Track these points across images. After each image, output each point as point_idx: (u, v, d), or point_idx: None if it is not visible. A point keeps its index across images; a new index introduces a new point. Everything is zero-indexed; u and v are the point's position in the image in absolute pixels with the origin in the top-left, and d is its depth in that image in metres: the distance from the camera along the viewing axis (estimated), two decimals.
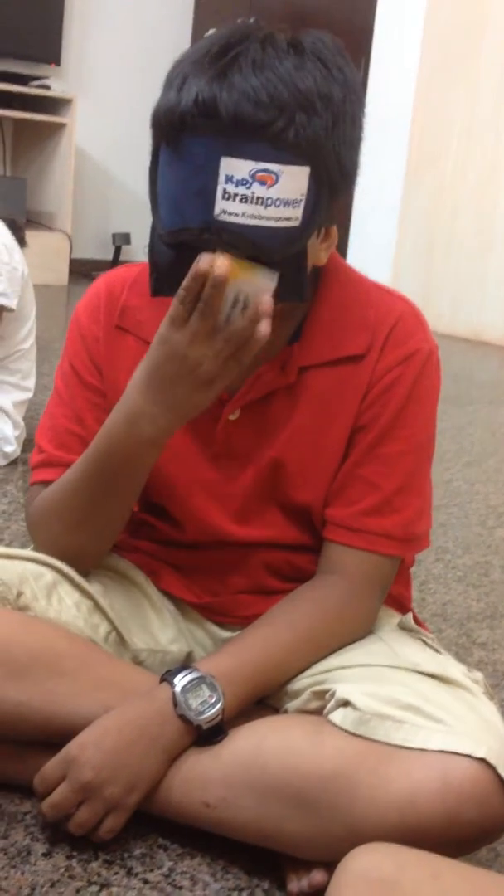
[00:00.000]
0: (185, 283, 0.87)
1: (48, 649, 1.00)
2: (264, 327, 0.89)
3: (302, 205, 0.90)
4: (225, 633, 1.14)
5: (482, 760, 0.88)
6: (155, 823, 0.99)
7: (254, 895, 0.95)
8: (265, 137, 0.87)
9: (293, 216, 0.90)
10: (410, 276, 5.08)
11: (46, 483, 1.10)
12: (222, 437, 1.06)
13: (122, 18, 5.71)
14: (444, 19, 4.94)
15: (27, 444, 2.27)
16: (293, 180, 0.89)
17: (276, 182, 0.88)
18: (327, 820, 0.91)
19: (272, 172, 0.87)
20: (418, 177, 5.06)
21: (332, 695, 0.97)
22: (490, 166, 4.85)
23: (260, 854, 0.97)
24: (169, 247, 0.93)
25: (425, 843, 0.83)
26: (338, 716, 0.94)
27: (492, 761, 0.88)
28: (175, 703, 0.95)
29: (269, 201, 0.88)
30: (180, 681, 0.96)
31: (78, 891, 0.92)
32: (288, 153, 0.88)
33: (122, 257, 5.74)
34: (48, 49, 5.33)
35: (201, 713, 0.95)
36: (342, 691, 0.96)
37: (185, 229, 0.90)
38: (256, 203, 0.88)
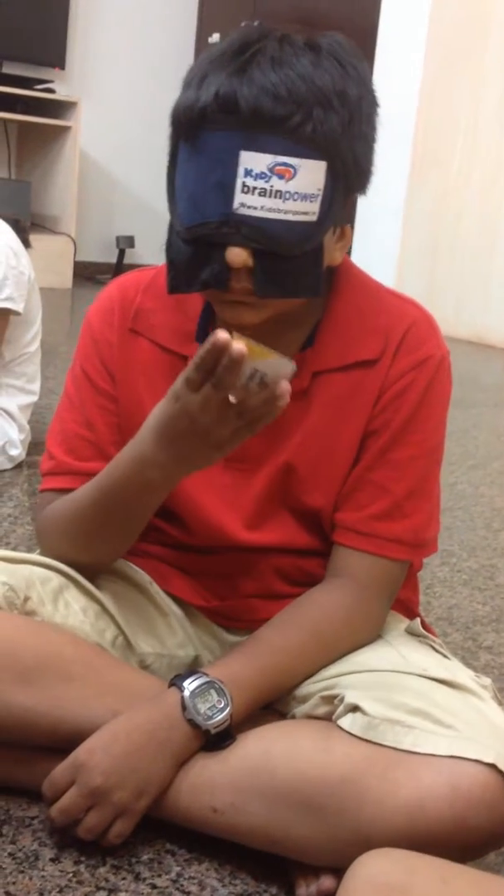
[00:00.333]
0: (200, 352, 0.86)
1: (55, 654, 1.00)
2: (280, 408, 0.89)
3: (319, 199, 0.92)
4: (233, 637, 1.14)
5: (491, 766, 0.87)
6: (163, 829, 0.99)
7: None
8: (283, 131, 0.88)
9: (310, 210, 0.92)
10: (414, 277, 5.08)
11: (56, 490, 1.10)
12: None
13: (127, 22, 5.72)
14: (448, 20, 4.94)
15: (32, 447, 2.27)
16: (310, 174, 0.90)
17: (294, 176, 0.89)
18: (336, 825, 0.91)
19: (290, 166, 0.89)
20: (422, 178, 5.06)
21: (341, 700, 0.97)
22: (494, 168, 4.84)
23: (268, 859, 0.96)
24: (186, 243, 0.94)
25: (434, 848, 0.83)
26: (346, 721, 0.94)
27: (500, 766, 0.87)
28: (183, 708, 0.95)
29: (288, 195, 0.90)
30: (189, 685, 0.96)
31: None
32: (305, 147, 0.89)
33: (126, 260, 5.74)
34: (53, 52, 5.34)
35: (210, 718, 0.95)
36: (351, 696, 0.96)
37: (204, 223, 0.91)
38: (275, 196, 0.89)
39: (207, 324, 1.07)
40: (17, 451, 2.20)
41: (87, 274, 5.67)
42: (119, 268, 5.69)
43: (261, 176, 0.89)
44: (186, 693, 0.96)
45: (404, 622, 1.11)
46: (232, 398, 0.87)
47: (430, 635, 1.10)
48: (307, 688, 1.03)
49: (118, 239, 5.73)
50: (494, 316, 4.89)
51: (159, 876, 0.95)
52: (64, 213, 5.37)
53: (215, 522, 1.08)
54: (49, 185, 5.44)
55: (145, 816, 0.96)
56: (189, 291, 0.97)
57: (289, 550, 1.10)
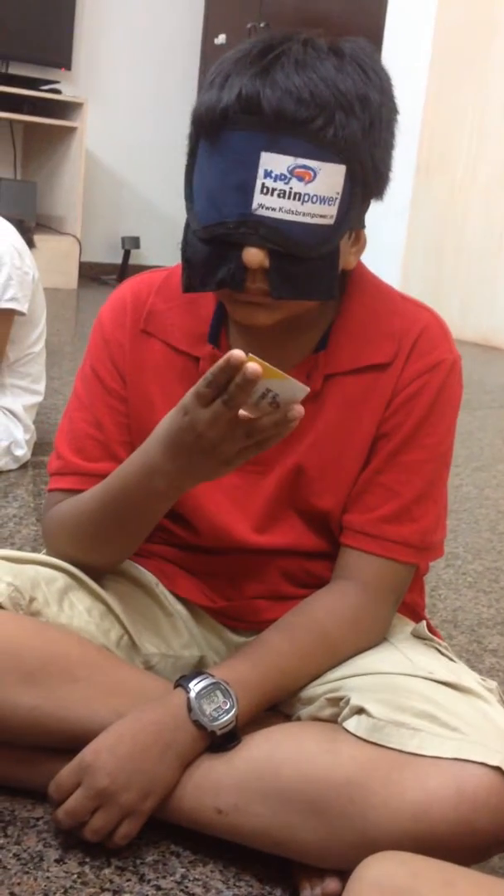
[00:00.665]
0: (213, 368, 0.86)
1: (60, 655, 1.00)
2: (291, 429, 0.88)
3: (337, 203, 0.92)
4: (239, 639, 1.14)
5: (496, 769, 0.87)
6: (167, 830, 0.99)
7: None
8: (305, 134, 0.89)
9: (328, 214, 0.92)
10: (420, 279, 5.07)
11: (64, 491, 1.10)
12: None
13: (133, 23, 5.72)
14: (454, 22, 4.94)
15: (38, 447, 2.27)
16: (330, 178, 0.91)
17: (313, 179, 0.90)
18: (340, 827, 0.91)
19: (310, 169, 0.89)
20: (428, 180, 5.06)
21: (347, 702, 0.97)
22: (501, 169, 4.84)
23: (272, 861, 0.96)
24: (203, 242, 0.94)
25: (438, 850, 0.83)
26: (352, 723, 0.94)
27: None
28: (189, 709, 0.95)
29: (306, 197, 0.90)
30: (195, 686, 0.96)
31: None
32: (326, 151, 0.90)
33: (131, 261, 5.75)
34: (59, 53, 5.35)
35: (215, 719, 0.95)
36: (357, 698, 0.96)
37: (222, 223, 0.92)
38: (294, 199, 0.90)
39: (220, 325, 1.08)
40: (23, 452, 2.20)
41: (93, 274, 5.67)
42: (124, 268, 5.70)
43: (280, 177, 0.89)
44: (192, 694, 0.96)
45: (410, 625, 1.11)
46: (244, 413, 0.87)
47: (435, 638, 1.10)
48: (313, 690, 1.03)
49: (123, 240, 5.73)
50: (500, 318, 4.88)
51: (164, 877, 0.95)
52: (69, 214, 5.38)
53: (223, 524, 1.09)
54: (55, 185, 5.44)
55: (150, 818, 0.96)
56: (204, 290, 0.97)
57: (296, 552, 1.10)
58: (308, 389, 0.87)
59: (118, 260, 5.79)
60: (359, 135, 0.91)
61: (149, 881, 0.95)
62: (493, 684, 1.02)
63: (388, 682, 0.98)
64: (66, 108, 5.25)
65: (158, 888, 0.94)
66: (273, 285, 0.94)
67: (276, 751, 0.95)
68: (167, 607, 1.14)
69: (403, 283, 5.00)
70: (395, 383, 1.05)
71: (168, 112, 5.79)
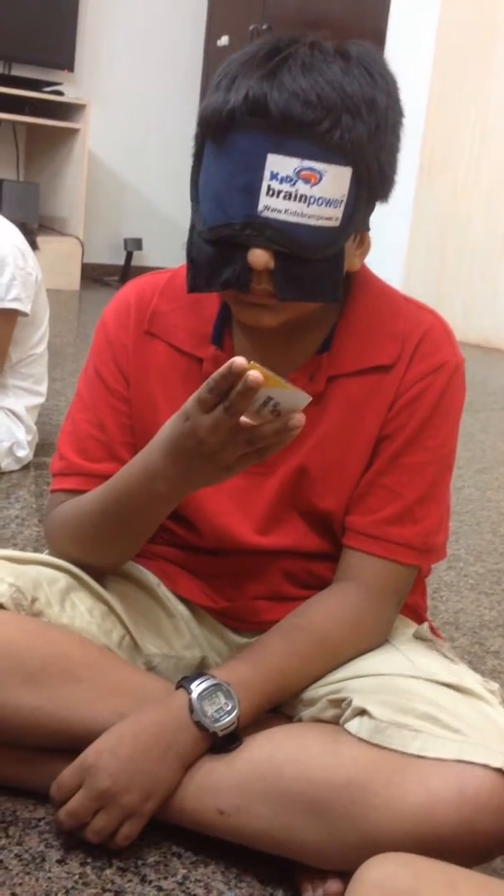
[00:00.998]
0: (215, 375, 0.86)
1: (62, 656, 1.00)
2: (292, 437, 0.88)
3: (342, 205, 0.92)
4: (240, 639, 1.14)
5: (498, 770, 0.87)
6: (169, 831, 0.99)
7: None
8: (311, 137, 0.89)
9: (333, 216, 0.92)
10: (422, 280, 5.07)
11: (67, 492, 1.10)
12: None
13: (136, 25, 5.73)
14: (456, 23, 4.94)
15: (40, 448, 2.27)
16: (336, 180, 0.91)
17: (319, 181, 0.90)
18: (342, 829, 0.91)
19: (316, 171, 0.90)
20: (431, 181, 5.06)
21: (349, 703, 0.97)
22: (503, 170, 4.84)
23: (274, 863, 0.96)
24: (209, 243, 0.94)
25: (440, 852, 0.83)
26: (354, 724, 0.94)
27: None
28: (191, 710, 0.95)
29: (312, 200, 0.90)
30: (196, 687, 0.96)
31: None
32: (332, 153, 0.90)
33: (133, 262, 5.75)
34: (62, 55, 5.36)
35: (217, 720, 0.95)
36: (359, 700, 0.96)
37: (228, 224, 0.92)
38: (300, 201, 0.90)
39: (224, 326, 1.08)
40: (25, 453, 2.20)
41: (95, 276, 5.68)
42: (127, 270, 5.70)
43: (286, 180, 0.90)
44: (194, 695, 0.96)
45: (412, 627, 1.11)
46: (245, 420, 0.87)
47: (437, 640, 1.09)
48: (314, 691, 1.03)
49: (126, 241, 5.74)
50: (503, 319, 4.88)
51: (165, 878, 0.95)
52: (72, 215, 5.38)
53: (226, 526, 1.09)
54: (57, 187, 5.45)
55: (151, 819, 0.96)
56: (209, 291, 0.98)
57: (298, 553, 1.10)
58: (310, 398, 0.87)
59: (121, 261, 5.80)
60: (365, 137, 0.91)
61: (150, 882, 0.95)
62: (494, 686, 1.02)
63: (389, 683, 0.98)
64: (68, 110, 5.25)
65: (160, 889, 0.94)
66: (278, 287, 0.94)
67: (277, 752, 0.95)
68: (169, 608, 1.14)
69: (406, 284, 5.00)
70: (398, 385, 1.05)
71: (171, 114, 5.79)
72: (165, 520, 1.09)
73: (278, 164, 0.89)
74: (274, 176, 0.90)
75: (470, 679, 1.00)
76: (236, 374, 0.84)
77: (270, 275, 0.93)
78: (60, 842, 0.98)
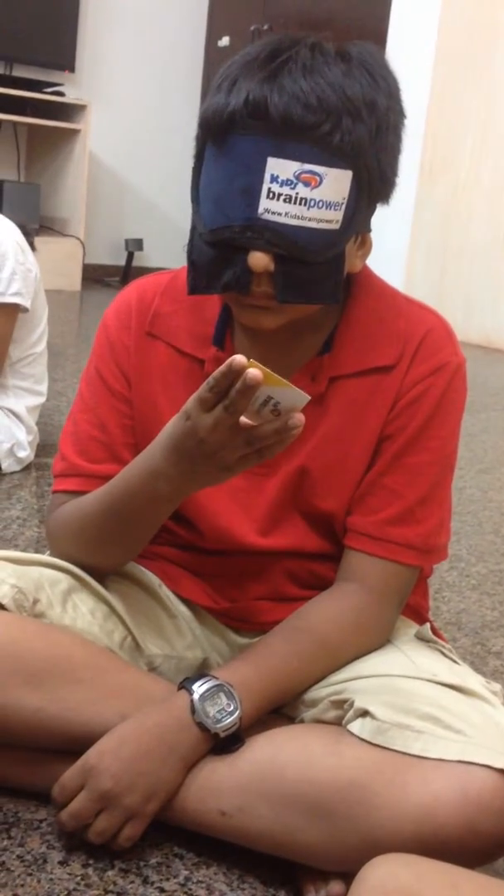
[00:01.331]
0: (215, 374, 0.86)
1: (64, 657, 1.00)
2: (293, 437, 0.88)
3: (343, 208, 0.92)
4: (242, 640, 1.14)
5: (501, 771, 0.87)
6: (171, 832, 0.99)
7: None
8: (312, 140, 0.89)
9: (334, 219, 0.92)
10: (423, 281, 5.07)
11: (68, 492, 1.10)
12: None
13: (137, 26, 5.73)
14: (458, 24, 4.94)
15: (41, 448, 2.27)
16: (336, 183, 0.91)
17: (319, 184, 0.90)
18: (344, 830, 0.91)
19: (317, 174, 0.90)
20: (432, 181, 5.06)
21: (351, 704, 0.97)
22: None
23: (276, 864, 0.96)
24: (209, 245, 0.94)
25: (443, 853, 0.83)
26: (356, 725, 0.94)
27: None
28: (193, 711, 0.95)
29: (312, 202, 0.90)
30: (198, 688, 0.96)
31: None
32: (333, 156, 0.90)
33: (134, 263, 5.75)
34: (63, 56, 5.36)
35: (219, 721, 0.95)
36: (361, 701, 0.95)
37: (228, 227, 0.92)
38: (300, 204, 0.90)
39: (225, 327, 1.08)
40: (26, 453, 2.20)
41: (96, 277, 5.68)
42: (127, 271, 5.70)
43: (287, 183, 0.89)
44: (196, 696, 0.95)
45: (414, 627, 1.11)
46: (245, 419, 0.87)
47: (439, 641, 1.09)
48: (316, 692, 1.03)
49: (127, 242, 5.74)
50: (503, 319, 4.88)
51: (167, 880, 0.95)
52: (73, 216, 5.38)
53: (227, 527, 1.08)
54: (58, 187, 5.45)
55: (153, 820, 0.96)
56: (209, 293, 0.98)
57: (300, 554, 1.10)
58: (309, 398, 0.86)
59: (121, 262, 5.80)
60: (366, 140, 0.91)
61: (152, 883, 0.95)
62: (497, 687, 1.02)
63: (392, 684, 0.98)
64: (69, 111, 5.26)
65: (162, 890, 0.94)
66: (278, 289, 0.94)
67: (279, 753, 0.95)
68: (170, 608, 1.14)
69: (407, 284, 5.00)
70: (399, 385, 1.05)
71: (171, 114, 5.80)
72: (167, 520, 1.09)
73: (278, 167, 0.89)
74: (274, 179, 0.89)
75: (472, 680, 1.00)
76: (236, 372, 0.84)
77: (270, 277, 0.93)
78: (62, 843, 0.98)
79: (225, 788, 0.95)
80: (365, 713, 0.94)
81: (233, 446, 0.89)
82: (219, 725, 0.95)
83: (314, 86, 0.89)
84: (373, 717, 0.93)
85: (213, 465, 0.91)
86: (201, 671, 1.05)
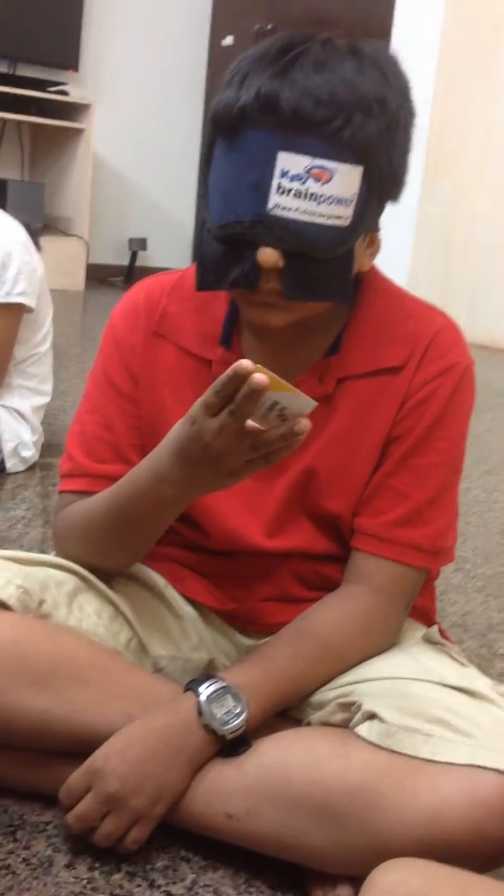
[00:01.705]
0: (220, 378, 0.85)
1: (70, 658, 0.99)
2: (299, 442, 0.87)
3: (353, 205, 0.92)
4: (248, 641, 1.13)
5: None
6: (177, 835, 0.98)
7: None
8: (323, 135, 0.88)
9: (344, 215, 0.92)
10: (427, 280, 5.06)
11: (74, 493, 1.10)
12: None
13: (141, 25, 5.73)
14: (461, 23, 4.93)
15: (45, 449, 2.26)
16: (346, 179, 0.90)
17: (330, 179, 0.89)
18: (352, 833, 0.90)
19: (327, 169, 0.89)
20: (436, 181, 5.05)
21: (358, 707, 0.96)
22: None
23: (283, 868, 0.96)
24: (218, 241, 0.94)
25: (451, 857, 0.82)
26: (364, 728, 0.94)
27: None
28: (199, 713, 0.95)
29: (323, 198, 0.90)
30: (205, 690, 0.95)
31: None
32: (343, 151, 0.89)
33: (138, 263, 5.75)
34: (66, 55, 5.35)
35: (226, 723, 0.95)
36: (368, 704, 0.95)
37: (238, 222, 0.91)
38: (310, 199, 0.89)
39: (232, 328, 1.07)
40: (30, 453, 2.20)
41: (100, 276, 5.68)
42: (131, 270, 5.70)
43: (297, 178, 0.89)
44: (202, 698, 0.95)
45: (421, 630, 1.10)
46: (251, 423, 0.86)
47: (447, 643, 1.09)
48: (323, 694, 1.02)
49: (131, 241, 5.74)
50: None
51: (174, 883, 0.95)
52: (77, 216, 5.38)
53: (234, 528, 1.08)
54: (62, 187, 5.45)
55: (160, 823, 0.95)
56: (218, 289, 0.97)
57: (307, 556, 1.09)
58: (316, 404, 0.86)
59: (125, 262, 5.80)
60: (376, 137, 0.91)
61: (159, 887, 0.94)
62: None
63: (400, 687, 0.97)
64: (73, 110, 5.25)
65: (169, 894, 0.93)
66: (287, 286, 0.93)
67: (287, 755, 0.95)
68: (176, 609, 1.14)
69: (411, 283, 4.97)
70: (407, 387, 1.04)
71: (175, 114, 5.79)
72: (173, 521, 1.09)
73: (289, 162, 0.89)
74: (284, 174, 0.89)
75: (480, 682, 0.99)
76: (242, 377, 0.83)
77: (279, 274, 0.93)
78: (68, 846, 0.97)
79: (232, 791, 0.95)
80: (373, 716, 0.94)
81: (238, 451, 0.88)
82: (225, 728, 0.95)
83: (326, 81, 0.88)
84: (381, 719, 0.93)
85: (219, 470, 0.90)
86: (207, 673, 1.05)
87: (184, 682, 1.00)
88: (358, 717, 0.96)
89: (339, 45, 0.92)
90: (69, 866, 0.95)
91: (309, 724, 1.03)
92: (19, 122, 5.30)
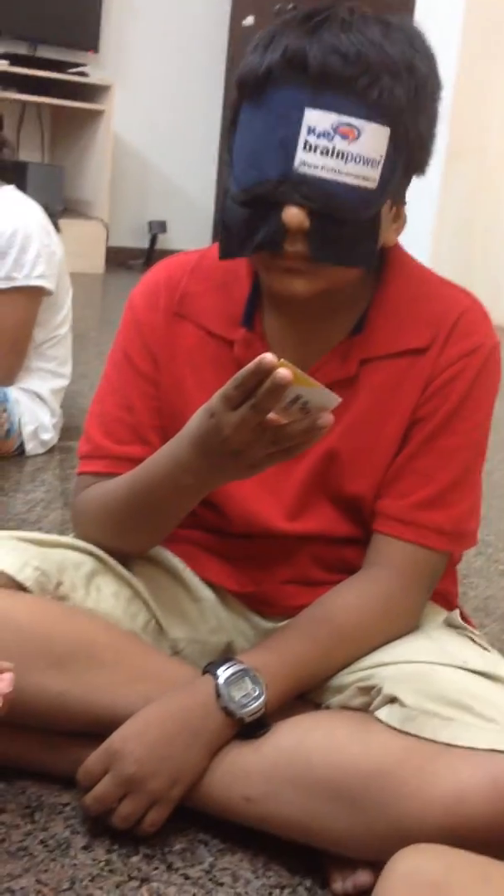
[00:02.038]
0: (243, 371, 0.83)
1: (88, 640, 0.99)
2: (321, 436, 0.86)
3: (380, 167, 0.91)
4: (267, 624, 1.12)
5: None
6: (195, 818, 0.98)
7: (296, 893, 0.93)
8: (350, 93, 0.88)
9: (371, 177, 0.91)
10: (449, 264, 5.01)
11: (93, 475, 1.09)
12: None
13: (161, 6, 5.68)
14: (485, 3, 4.86)
15: (65, 431, 2.26)
16: (374, 139, 0.89)
17: (357, 138, 0.89)
18: (372, 818, 0.89)
19: (354, 127, 0.88)
20: (459, 162, 4.99)
21: (378, 691, 0.95)
22: None
23: (302, 851, 0.95)
24: (243, 206, 0.93)
25: (472, 843, 0.81)
26: (384, 712, 0.93)
27: None
28: (218, 696, 0.94)
29: (350, 157, 0.89)
30: (223, 673, 0.95)
31: (118, 885, 0.91)
32: (371, 111, 0.89)
33: (158, 246, 5.73)
34: (86, 36, 5.32)
35: (244, 706, 0.94)
36: (389, 688, 0.94)
37: (263, 182, 0.91)
38: (337, 157, 0.89)
39: (254, 308, 1.06)
40: (49, 436, 2.20)
41: (120, 259, 5.66)
42: (151, 253, 5.68)
43: (324, 135, 0.88)
44: (221, 680, 0.94)
45: (443, 614, 1.09)
46: (272, 415, 0.84)
47: (469, 627, 1.08)
48: (343, 678, 1.02)
49: (150, 224, 5.71)
50: None
51: (192, 866, 0.94)
52: (97, 198, 5.36)
53: (255, 511, 1.07)
54: (82, 169, 5.43)
55: (178, 805, 0.95)
56: (242, 255, 0.96)
57: (327, 539, 1.08)
58: (339, 400, 0.84)
59: (145, 244, 5.77)
60: (404, 100, 0.90)
61: (177, 870, 0.94)
62: None
63: (420, 671, 0.96)
64: (93, 92, 5.23)
65: (186, 877, 0.93)
66: (313, 246, 0.92)
67: (306, 739, 0.94)
68: (194, 592, 1.13)
69: (433, 266, 4.91)
70: (432, 367, 1.03)
71: (196, 95, 5.75)
72: None
73: (316, 119, 0.88)
74: (311, 131, 0.88)
75: (503, 667, 0.98)
76: (265, 371, 0.81)
77: (305, 236, 0.91)
78: (86, 828, 0.97)
79: (251, 774, 0.94)
80: (393, 700, 0.93)
81: (258, 445, 0.87)
82: (244, 710, 0.94)
83: (354, 40, 0.88)
84: (401, 703, 0.92)
85: (239, 463, 0.89)
86: (226, 656, 1.04)
87: (202, 665, 1.00)
88: (378, 700, 0.95)
89: (367, 12, 0.92)
90: (86, 848, 0.95)
91: (328, 707, 1.03)
92: (39, 105, 5.28)
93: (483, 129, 4.94)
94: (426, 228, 5.07)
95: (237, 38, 5.79)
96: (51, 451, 2.21)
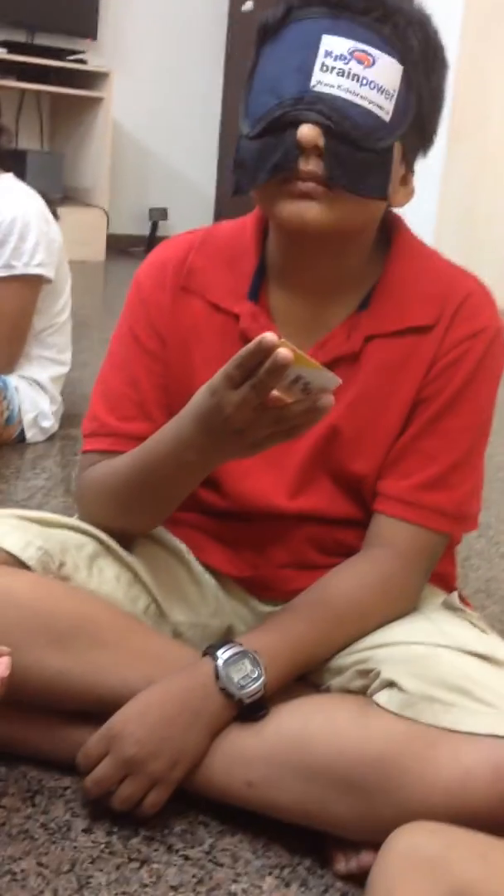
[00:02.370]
0: (243, 351, 0.82)
1: (90, 620, 0.99)
2: (322, 416, 0.86)
3: (394, 100, 0.93)
4: (266, 608, 1.12)
5: None
6: (195, 800, 0.98)
7: (295, 873, 0.93)
8: (367, 24, 0.92)
9: (385, 107, 0.93)
10: (452, 248, 4.99)
11: (98, 452, 1.09)
12: None
13: None
14: None
15: (65, 419, 2.26)
16: (388, 70, 0.92)
17: (373, 64, 0.92)
18: (374, 803, 0.89)
19: (370, 54, 0.92)
20: (460, 146, 4.97)
21: (377, 674, 0.95)
22: None
23: (302, 832, 0.95)
24: (257, 137, 0.94)
25: (474, 826, 0.81)
26: (383, 697, 0.93)
27: None
28: (217, 677, 0.94)
29: (365, 81, 0.92)
30: (222, 654, 0.95)
31: (118, 867, 0.91)
32: (385, 43, 0.92)
33: (158, 233, 5.71)
34: (85, 23, 5.29)
35: (243, 687, 0.94)
36: (388, 671, 0.94)
37: (279, 105, 0.92)
38: (353, 79, 0.91)
39: (260, 282, 1.06)
40: (50, 423, 2.19)
41: (120, 247, 5.65)
42: (151, 240, 5.67)
43: (341, 58, 0.91)
44: (220, 662, 0.94)
45: (441, 595, 1.09)
46: (274, 394, 0.84)
47: (467, 609, 1.08)
48: (342, 660, 1.02)
49: (151, 211, 5.69)
50: None
51: (192, 847, 0.94)
52: (96, 186, 5.35)
53: (255, 487, 1.07)
54: (82, 156, 5.41)
55: (178, 788, 0.95)
56: (254, 185, 0.96)
57: (325, 520, 1.08)
58: (340, 381, 0.84)
59: (145, 232, 5.76)
60: (414, 43, 0.93)
61: (177, 851, 0.94)
62: None
63: (419, 653, 0.96)
64: (92, 79, 5.21)
65: (186, 858, 0.93)
66: (328, 165, 0.92)
67: (307, 724, 0.94)
68: (196, 575, 1.13)
69: (436, 248, 4.93)
70: (436, 348, 1.03)
71: (195, 81, 5.73)
72: None
73: (332, 44, 0.91)
74: (328, 54, 0.91)
75: (502, 650, 0.98)
76: (265, 351, 0.81)
77: (319, 158, 0.92)
78: (87, 811, 0.97)
79: (252, 759, 0.94)
80: (392, 684, 0.93)
81: (259, 425, 0.86)
82: (243, 692, 0.94)
83: None
84: (400, 688, 0.92)
85: (240, 441, 0.89)
86: (226, 638, 1.04)
87: (203, 649, 1.00)
88: (376, 684, 0.95)
89: None
90: (87, 831, 0.95)
91: (328, 689, 1.03)
92: (38, 92, 5.26)
93: (484, 115, 4.92)
94: (429, 213, 5.06)
95: (236, 24, 5.75)
96: (51, 438, 2.21)
